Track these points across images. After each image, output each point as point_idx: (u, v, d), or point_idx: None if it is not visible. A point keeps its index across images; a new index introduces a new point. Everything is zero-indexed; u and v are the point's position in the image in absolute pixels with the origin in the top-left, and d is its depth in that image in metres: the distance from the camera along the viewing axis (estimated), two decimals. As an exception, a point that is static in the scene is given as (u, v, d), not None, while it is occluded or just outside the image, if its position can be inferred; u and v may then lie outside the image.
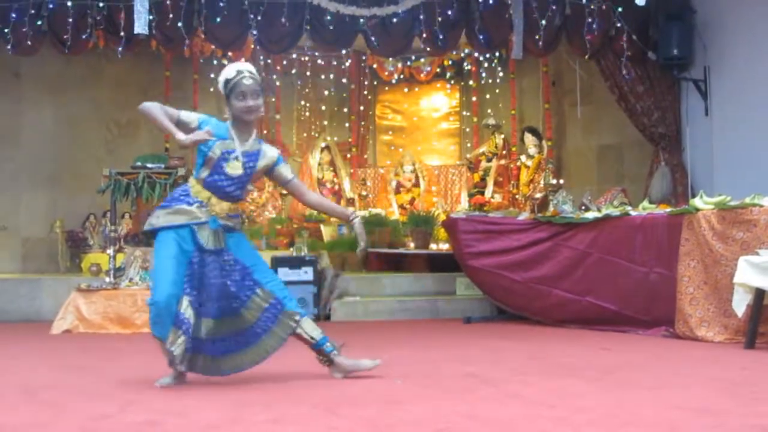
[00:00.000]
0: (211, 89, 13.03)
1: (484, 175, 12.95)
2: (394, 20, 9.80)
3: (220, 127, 4.62)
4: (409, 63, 13.95)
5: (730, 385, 4.49)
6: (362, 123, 14.07)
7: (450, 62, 13.90)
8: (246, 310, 4.62)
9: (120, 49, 9.56)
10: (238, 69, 4.63)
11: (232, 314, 4.62)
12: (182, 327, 4.43)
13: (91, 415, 3.73)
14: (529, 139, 12.44)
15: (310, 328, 4.69)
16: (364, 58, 13.83)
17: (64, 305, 8.00)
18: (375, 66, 14.03)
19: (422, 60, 13.82)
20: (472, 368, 5.21)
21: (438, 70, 14.06)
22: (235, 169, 4.59)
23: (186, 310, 4.46)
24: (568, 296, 7.85)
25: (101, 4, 9.31)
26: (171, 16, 9.35)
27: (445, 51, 11.17)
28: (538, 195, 11.44)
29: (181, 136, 4.38)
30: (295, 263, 9.15)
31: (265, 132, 12.78)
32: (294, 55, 13.12)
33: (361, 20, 9.78)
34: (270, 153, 4.79)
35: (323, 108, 14.11)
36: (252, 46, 11.93)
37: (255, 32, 9.71)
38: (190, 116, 4.60)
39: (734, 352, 5.96)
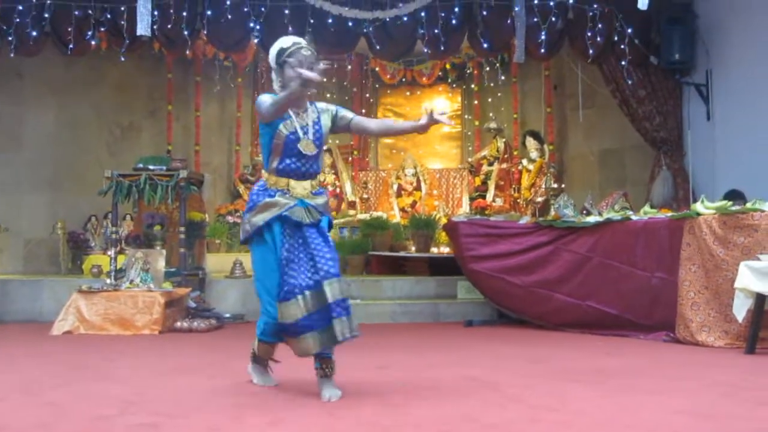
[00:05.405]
0: (215, 90, 13.09)
1: (485, 178, 12.96)
2: (397, 24, 9.81)
3: None
4: (411, 66, 13.94)
5: (731, 390, 4.49)
6: (364, 126, 14.03)
7: (452, 65, 13.91)
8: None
9: (122, 50, 9.57)
10: (294, 41, 4.46)
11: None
12: (313, 327, 4.23)
13: (91, 417, 3.74)
14: (531, 142, 12.43)
15: None
16: (366, 61, 13.82)
17: (65, 306, 7.99)
18: (377, 69, 14.01)
19: (424, 63, 13.81)
20: (473, 372, 5.21)
21: (440, 73, 14.04)
22: (308, 147, 4.43)
23: (303, 308, 4.20)
24: (569, 300, 7.84)
25: (105, 6, 9.34)
26: (174, 18, 9.37)
27: (448, 54, 11.16)
28: (540, 199, 11.45)
29: (308, 74, 4.10)
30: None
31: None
32: (296, 58, 13.09)
33: (364, 23, 9.80)
34: (327, 108, 4.66)
35: (325, 111, 14.07)
36: (254, 49, 11.95)
37: (257, 35, 9.71)
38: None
39: (735, 357, 5.96)
